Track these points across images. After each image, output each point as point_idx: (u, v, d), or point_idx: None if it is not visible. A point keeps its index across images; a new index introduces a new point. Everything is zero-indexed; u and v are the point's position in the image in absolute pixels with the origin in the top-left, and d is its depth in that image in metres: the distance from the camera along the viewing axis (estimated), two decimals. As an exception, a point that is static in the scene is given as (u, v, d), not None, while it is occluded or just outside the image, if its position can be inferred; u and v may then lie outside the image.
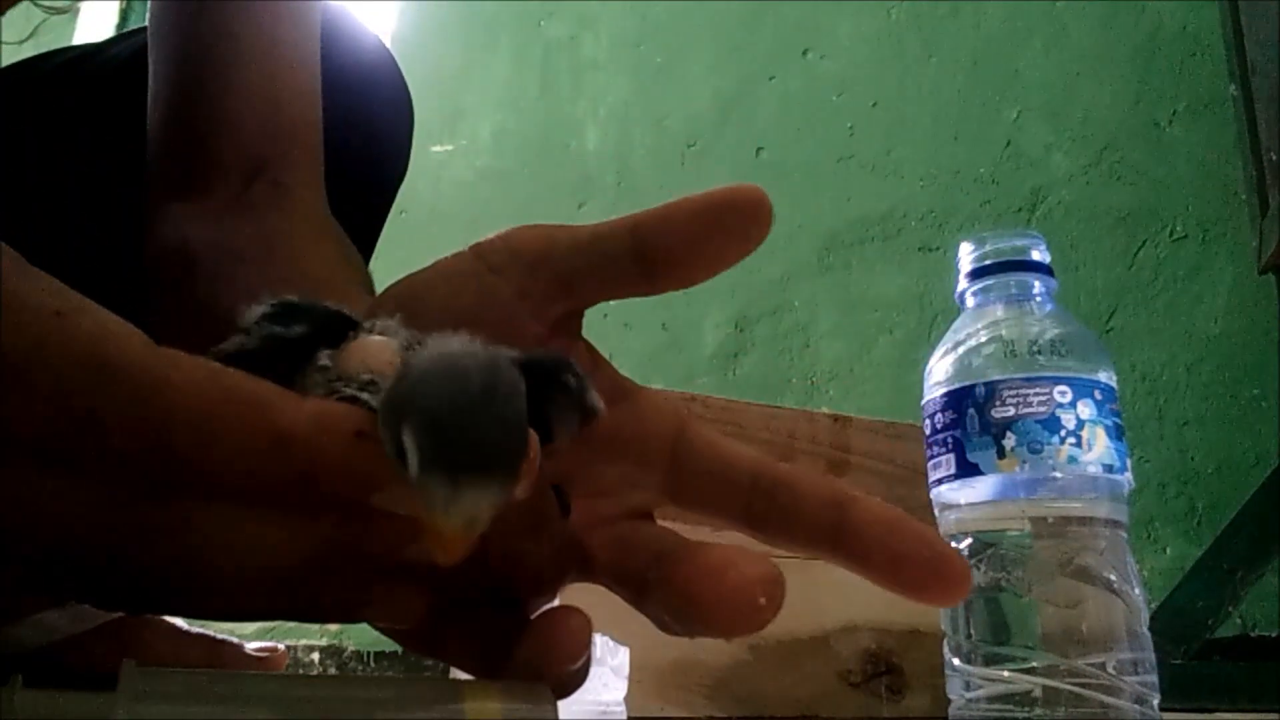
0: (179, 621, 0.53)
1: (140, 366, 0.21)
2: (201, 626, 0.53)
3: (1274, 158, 1.07)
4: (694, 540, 0.24)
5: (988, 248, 0.51)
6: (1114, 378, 0.47)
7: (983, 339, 0.48)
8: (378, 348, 0.23)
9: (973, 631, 0.46)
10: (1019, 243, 0.51)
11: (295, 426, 0.21)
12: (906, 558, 0.24)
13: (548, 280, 0.26)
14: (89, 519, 0.21)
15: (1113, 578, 0.44)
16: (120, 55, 0.59)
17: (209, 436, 0.21)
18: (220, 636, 0.52)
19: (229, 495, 0.21)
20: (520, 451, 0.20)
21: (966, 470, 0.46)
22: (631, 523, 0.26)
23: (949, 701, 0.47)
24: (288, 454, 0.21)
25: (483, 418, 0.19)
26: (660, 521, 0.28)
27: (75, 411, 0.20)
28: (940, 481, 0.48)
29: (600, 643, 0.61)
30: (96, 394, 0.20)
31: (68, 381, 0.20)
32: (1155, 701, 0.44)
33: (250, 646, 0.53)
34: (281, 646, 0.53)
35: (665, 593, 0.23)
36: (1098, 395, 0.46)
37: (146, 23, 0.44)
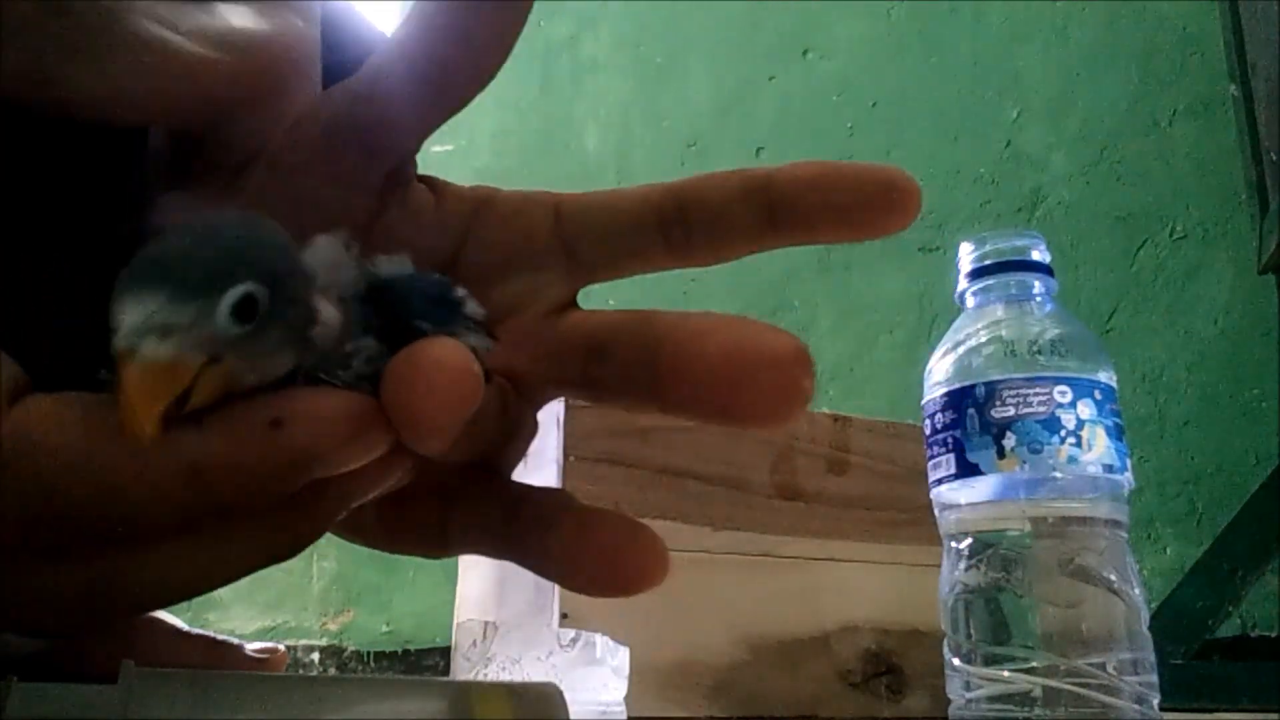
0: (178, 622, 0.53)
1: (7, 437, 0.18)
2: (201, 628, 0.53)
3: (1274, 158, 1.07)
4: (639, 313, 0.22)
5: (988, 248, 0.51)
6: (1114, 378, 0.47)
7: (983, 339, 0.48)
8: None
9: (973, 631, 0.46)
10: (1019, 243, 0.51)
11: (206, 451, 0.19)
12: (850, 205, 0.21)
13: (349, 150, 0.24)
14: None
15: (1113, 578, 0.44)
16: None
17: (115, 496, 0.18)
18: (220, 638, 0.52)
19: (159, 538, 0.19)
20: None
21: (966, 470, 0.46)
22: (551, 321, 0.24)
23: (949, 701, 0.47)
24: (210, 482, 0.19)
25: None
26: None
27: None
28: (940, 481, 0.48)
29: (600, 643, 0.61)
30: None
31: None
32: (1155, 701, 0.44)
33: (250, 647, 0.53)
34: (281, 647, 0.53)
35: (666, 387, 0.20)
36: (1098, 395, 0.46)
37: None
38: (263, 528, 0.20)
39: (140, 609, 0.20)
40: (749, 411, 0.19)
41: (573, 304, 0.25)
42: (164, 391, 0.18)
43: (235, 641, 0.53)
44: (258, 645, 0.53)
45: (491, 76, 0.23)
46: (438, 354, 0.18)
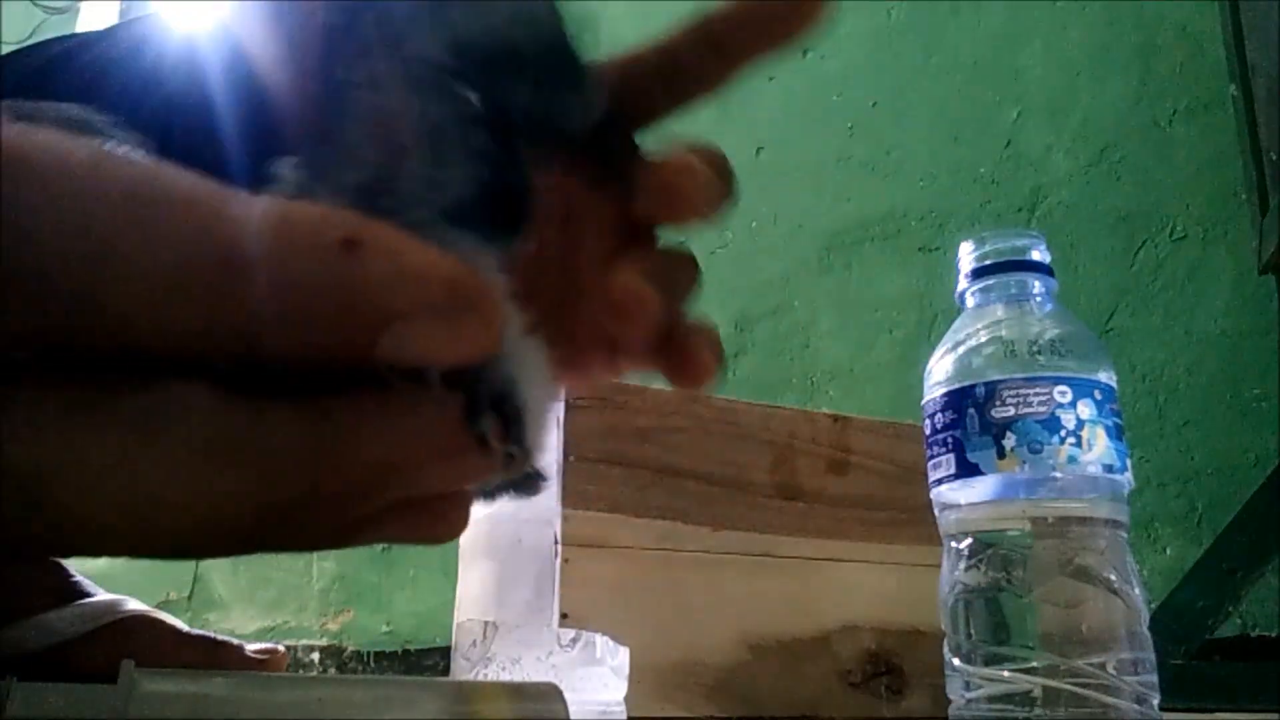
0: (178, 623, 0.53)
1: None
2: (200, 628, 0.53)
3: (1274, 158, 1.07)
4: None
5: (988, 248, 0.51)
6: (1114, 378, 0.47)
7: (983, 339, 0.48)
8: None
9: (973, 631, 0.46)
10: (1019, 243, 0.51)
11: (259, 225, 0.15)
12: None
13: None
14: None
15: (1113, 578, 0.44)
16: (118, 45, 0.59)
17: (116, 241, 0.15)
18: (220, 638, 0.52)
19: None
20: None
21: (966, 470, 0.46)
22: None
23: (949, 701, 0.47)
24: (250, 269, 0.15)
25: None
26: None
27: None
28: (940, 481, 0.48)
29: (600, 643, 0.61)
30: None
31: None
32: (1155, 701, 0.44)
33: (250, 648, 0.53)
34: (281, 647, 0.53)
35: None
36: (1098, 395, 0.46)
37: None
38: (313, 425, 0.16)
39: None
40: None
41: None
42: None
43: (235, 642, 0.53)
44: (258, 645, 0.53)
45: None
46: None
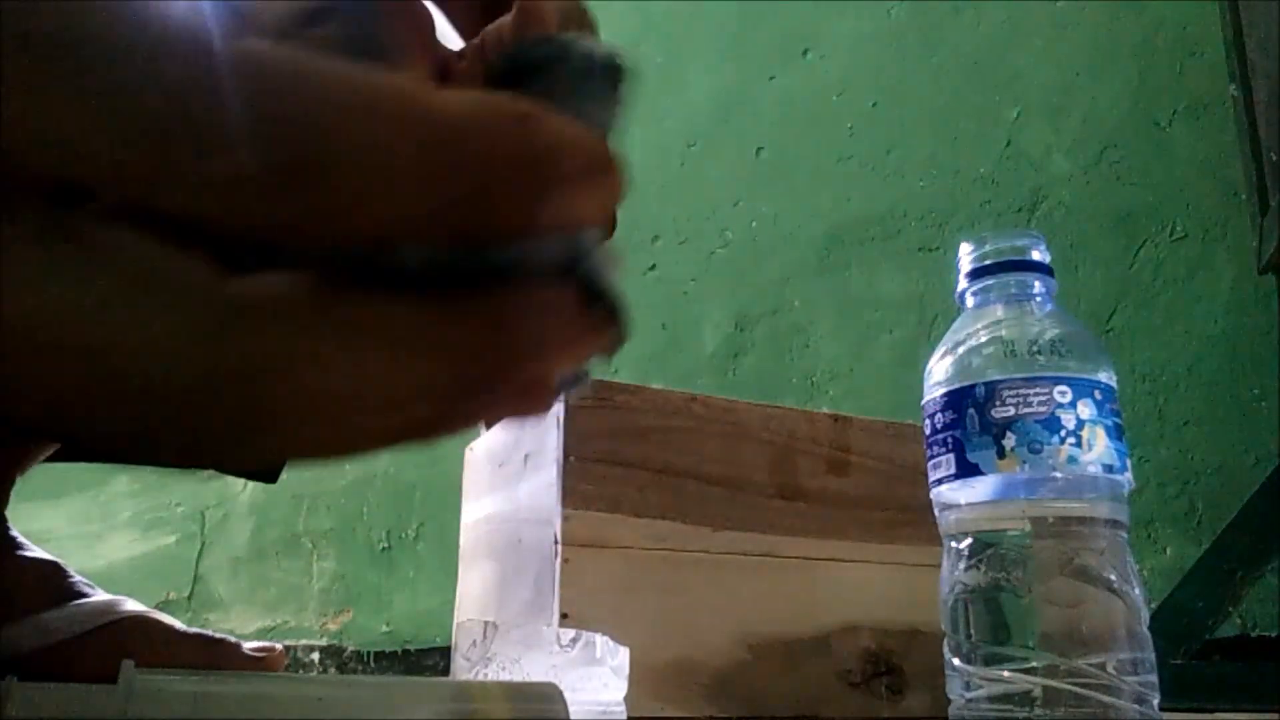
0: (176, 623, 0.53)
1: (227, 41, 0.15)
2: (200, 626, 0.53)
3: (1274, 158, 1.07)
4: None
5: (988, 248, 0.51)
6: (1114, 378, 0.47)
7: (983, 339, 0.48)
8: None
9: (973, 631, 0.46)
10: (1019, 243, 0.51)
11: (455, 111, 0.16)
12: None
13: None
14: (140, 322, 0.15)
15: (1113, 578, 0.44)
16: None
17: (355, 135, 0.15)
18: (218, 636, 0.52)
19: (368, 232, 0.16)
20: None
21: (966, 470, 0.46)
22: None
23: (949, 701, 0.47)
24: (455, 149, 0.16)
25: None
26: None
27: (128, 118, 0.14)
28: (940, 481, 0.48)
29: (600, 643, 0.61)
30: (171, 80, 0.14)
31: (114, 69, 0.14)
32: (1155, 701, 0.44)
33: (248, 646, 0.52)
34: (280, 646, 0.53)
35: None
36: (1098, 395, 0.46)
37: None
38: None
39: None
40: None
41: None
42: None
43: (233, 641, 0.53)
44: (256, 645, 0.53)
45: None
46: None
